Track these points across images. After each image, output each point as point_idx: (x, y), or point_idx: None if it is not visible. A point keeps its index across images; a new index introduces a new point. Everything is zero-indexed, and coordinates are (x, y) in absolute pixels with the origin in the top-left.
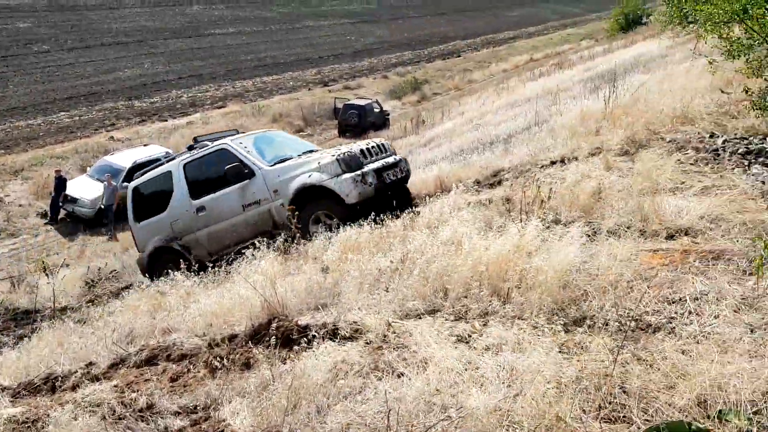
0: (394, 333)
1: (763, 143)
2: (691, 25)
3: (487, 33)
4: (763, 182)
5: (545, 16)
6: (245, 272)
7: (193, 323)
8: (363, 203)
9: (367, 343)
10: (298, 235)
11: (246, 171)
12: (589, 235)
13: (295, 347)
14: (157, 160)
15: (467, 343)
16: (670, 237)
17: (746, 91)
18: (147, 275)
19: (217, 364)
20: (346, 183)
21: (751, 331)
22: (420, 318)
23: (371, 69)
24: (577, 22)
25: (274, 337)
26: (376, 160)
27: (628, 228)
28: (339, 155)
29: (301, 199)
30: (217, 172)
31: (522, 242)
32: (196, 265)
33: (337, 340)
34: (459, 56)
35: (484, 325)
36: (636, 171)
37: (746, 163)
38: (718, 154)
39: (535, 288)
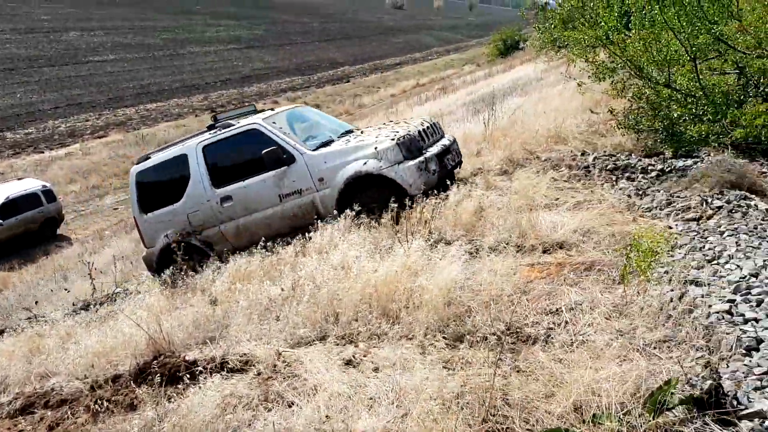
0: (285, 362)
1: (628, 159)
2: (562, 50)
3: (374, 59)
4: (629, 196)
5: (429, 42)
6: (129, 309)
7: (74, 365)
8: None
9: (257, 374)
10: (185, 266)
11: (284, 156)
12: (471, 253)
13: (182, 384)
14: (34, 194)
15: (356, 366)
16: (546, 251)
17: (611, 112)
18: (156, 274)
19: (98, 407)
20: (410, 172)
21: (621, 336)
22: (311, 345)
23: (261, 94)
24: (459, 48)
25: (159, 375)
26: (433, 143)
27: (507, 244)
28: (399, 139)
29: (352, 188)
30: (245, 156)
31: (408, 262)
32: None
33: (225, 374)
34: (348, 81)
35: (374, 347)
36: (514, 189)
37: (614, 178)
38: (589, 171)
39: (422, 307)
